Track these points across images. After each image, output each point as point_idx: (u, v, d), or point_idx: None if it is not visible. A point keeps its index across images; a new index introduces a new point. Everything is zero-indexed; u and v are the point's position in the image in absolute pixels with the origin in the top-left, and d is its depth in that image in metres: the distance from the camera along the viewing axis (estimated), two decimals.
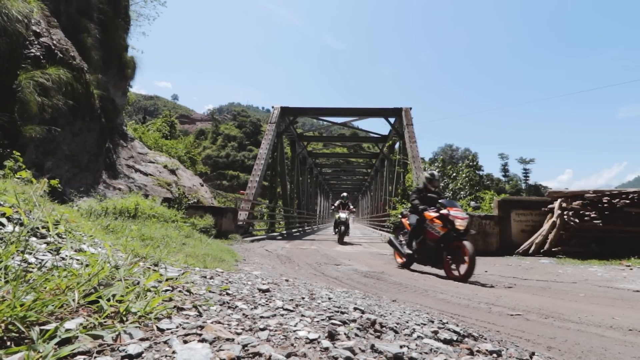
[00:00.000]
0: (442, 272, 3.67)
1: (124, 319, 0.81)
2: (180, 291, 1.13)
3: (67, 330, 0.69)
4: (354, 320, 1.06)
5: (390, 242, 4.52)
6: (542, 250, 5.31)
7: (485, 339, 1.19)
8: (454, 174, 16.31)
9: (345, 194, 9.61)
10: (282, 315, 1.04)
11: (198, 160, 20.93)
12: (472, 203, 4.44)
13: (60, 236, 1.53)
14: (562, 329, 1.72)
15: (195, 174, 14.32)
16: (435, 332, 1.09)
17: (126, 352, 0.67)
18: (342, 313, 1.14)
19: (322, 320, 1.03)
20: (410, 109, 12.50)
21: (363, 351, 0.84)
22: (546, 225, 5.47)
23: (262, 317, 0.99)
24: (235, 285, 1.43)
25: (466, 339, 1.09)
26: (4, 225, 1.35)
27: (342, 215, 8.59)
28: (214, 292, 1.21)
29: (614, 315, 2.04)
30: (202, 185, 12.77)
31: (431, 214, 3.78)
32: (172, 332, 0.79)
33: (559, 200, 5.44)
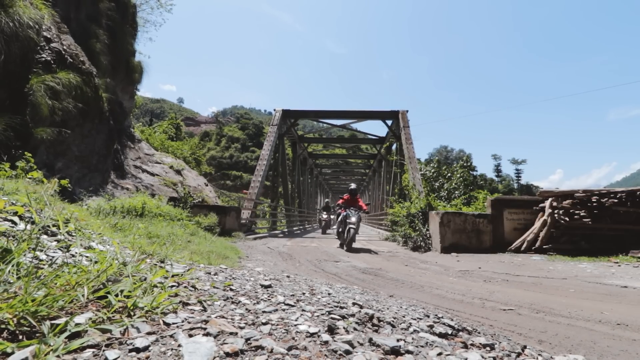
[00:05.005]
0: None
1: (132, 313, 0.84)
2: (185, 287, 1.15)
3: (77, 325, 0.71)
4: (353, 315, 1.08)
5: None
6: (533, 248, 5.39)
7: (479, 332, 1.20)
8: (449, 174, 16.29)
9: (354, 185, 7.09)
10: (284, 310, 1.06)
11: (203, 161, 21.10)
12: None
13: (70, 234, 1.57)
14: (553, 323, 1.73)
15: (200, 174, 14.45)
16: (431, 326, 1.10)
17: (133, 345, 0.69)
18: (341, 308, 1.15)
19: (322, 314, 1.05)
20: (407, 111, 12.60)
21: (361, 344, 0.85)
22: (537, 224, 5.54)
23: (264, 311, 1.01)
24: (239, 281, 1.46)
25: (460, 333, 1.11)
26: (16, 224, 1.39)
27: (353, 218, 6.15)
28: (218, 288, 1.24)
29: (603, 310, 2.05)
30: (207, 185, 12.89)
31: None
32: (177, 327, 0.81)
33: (550, 199, 5.51)
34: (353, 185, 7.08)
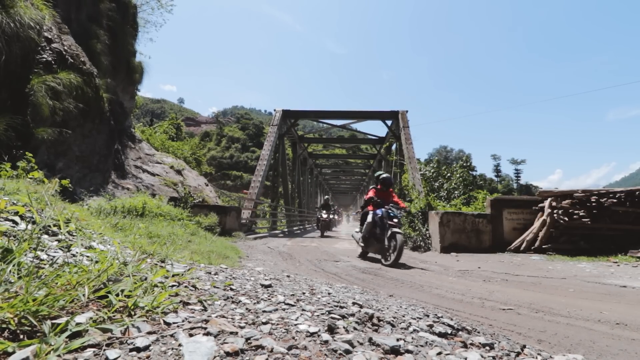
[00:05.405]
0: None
1: (132, 313, 0.84)
2: (186, 286, 1.16)
3: (78, 324, 0.71)
4: (353, 315, 1.08)
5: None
6: (532, 247, 5.44)
7: (479, 332, 1.21)
8: (449, 174, 16.33)
9: (385, 173, 4.98)
10: (284, 309, 1.06)
11: (203, 161, 21.14)
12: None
13: (71, 234, 1.57)
14: (552, 323, 1.74)
15: (200, 174, 14.46)
16: (431, 326, 1.10)
17: (134, 345, 0.69)
18: (341, 307, 1.16)
19: (322, 314, 1.05)
20: (407, 111, 12.70)
21: (361, 344, 0.86)
22: (537, 223, 5.59)
23: (264, 311, 1.01)
24: (239, 280, 1.46)
25: (460, 333, 1.11)
26: (17, 224, 1.40)
27: (396, 219, 4.28)
28: (218, 288, 1.24)
29: (602, 310, 2.06)
30: (207, 185, 12.89)
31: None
32: (178, 326, 0.81)
33: (549, 199, 5.56)
34: (385, 174, 4.92)
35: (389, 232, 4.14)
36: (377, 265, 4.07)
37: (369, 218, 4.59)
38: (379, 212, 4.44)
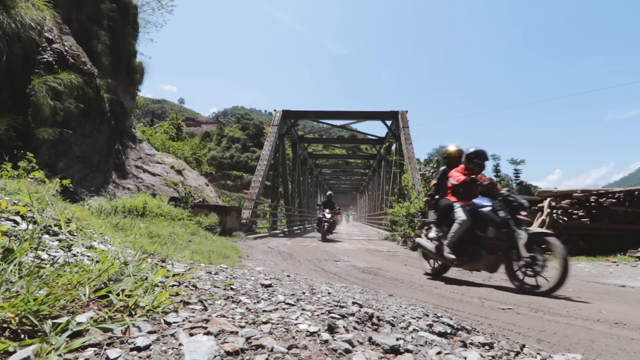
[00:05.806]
0: None
1: (133, 312, 0.84)
2: (186, 286, 1.16)
3: (79, 324, 0.71)
4: (353, 314, 1.08)
5: None
6: None
7: (478, 331, 1.21)
8: None
9: (473, 147, 3.09)
10: (284, 309, 1.06)
11: (203, 161, 21.17)
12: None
13: (72, 234, 1.58)
14: (551, 322, 1.74)
15: (200, 174, 14.47)
16: (430, 325, 1.11)
17: (135, 344, 0.69)
18: (341, 307, 1.16)
19: (322, 314, 1.05)
20: (406, 112, 12.75)
21: (361, 343, 0.86)
22: (536, 223, 5.65)
23: (264, 311, 1.02)
24: (239, 280, 1.46)
25: (460, 332, 1.11)
26: (18, 223, 1.40)
27: (524, 212, 2.59)
28: (218, 287, 1.24)
29: (601, 309, 2.07)
30: (207, 185, 12.90)
31: None
32: (178, 326, 0.81)
33: (549, 199, 5.58)
34: (477, 148, 3.06)
35: (524, 236, 2.46)
36: (377, 266, 4.06)
37: (461, 213, 2.83)
38: (486, 202, 2.71)
